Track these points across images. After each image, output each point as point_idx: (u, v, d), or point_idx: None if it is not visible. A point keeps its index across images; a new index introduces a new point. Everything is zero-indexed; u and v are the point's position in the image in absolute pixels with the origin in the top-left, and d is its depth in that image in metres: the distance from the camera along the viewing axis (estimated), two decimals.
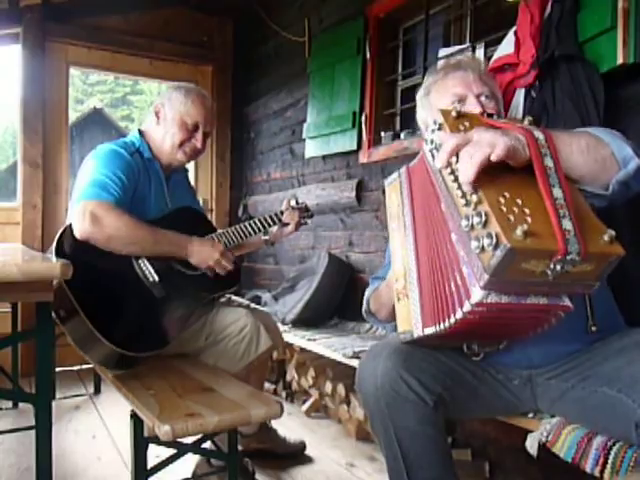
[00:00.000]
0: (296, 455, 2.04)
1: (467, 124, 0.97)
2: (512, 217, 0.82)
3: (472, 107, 1.29)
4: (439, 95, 1.36)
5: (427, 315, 1.05)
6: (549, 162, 0.88)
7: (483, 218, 0.83)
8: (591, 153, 0.97)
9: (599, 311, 1.12)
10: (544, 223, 0.82)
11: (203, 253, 1.70)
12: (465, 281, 0.91)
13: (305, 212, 2.03)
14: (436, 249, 1.04)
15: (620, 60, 1.48)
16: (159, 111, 1.82)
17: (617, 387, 1.03)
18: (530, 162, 0.89)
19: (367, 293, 1.47)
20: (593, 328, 1.00)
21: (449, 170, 0.95)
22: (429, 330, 1.04)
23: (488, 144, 0.87)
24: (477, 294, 0.88)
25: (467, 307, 0.90)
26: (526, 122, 1.00)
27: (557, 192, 0.85)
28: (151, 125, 1.84)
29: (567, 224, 0.81)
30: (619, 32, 1.48)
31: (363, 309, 1.46)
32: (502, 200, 0.85)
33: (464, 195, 0.90)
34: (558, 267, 0.81)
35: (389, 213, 1.19)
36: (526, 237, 0.78)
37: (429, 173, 1.05)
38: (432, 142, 1.00)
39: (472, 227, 0.86)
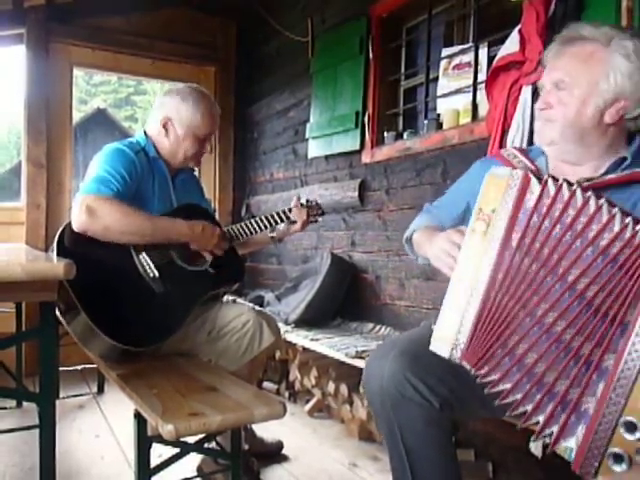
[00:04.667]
0: (273, 455, 2.04)
1: None
2: None
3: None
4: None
5: (474, 351, 0.98)
6: None
7: None
8: None
9: None
10: None
11: (203, 238, 1.73)
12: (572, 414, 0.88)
13: (317, 210, 2.03)
14: (537, 300, 0.92)
15: None
16: (167, 124, 1.79)
17: None
18: None
19: (416, 222, 1.40)
20: None
21: None
22: (467, 365, 0.99)
23: None
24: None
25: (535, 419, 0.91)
26: None
27: None
28: (159, 136, 1.81)
29: None
30: None
31: (405, 236, 1.40)
32: None
33: None
34: None
35: (478, 206, 1.00)
36: None
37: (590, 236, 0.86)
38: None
39: (631, 433, 0.81)
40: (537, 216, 0.92)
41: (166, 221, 1.69)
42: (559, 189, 0.91)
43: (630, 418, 0.82)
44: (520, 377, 0.93)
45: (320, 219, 2.08)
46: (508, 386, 0.95)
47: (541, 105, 1.17)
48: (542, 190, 0.92)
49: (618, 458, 0.83)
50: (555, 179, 0.93)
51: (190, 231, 1.71)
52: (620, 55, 1.07)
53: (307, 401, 2.54)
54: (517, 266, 0.93)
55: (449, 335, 1.00)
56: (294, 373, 2.57)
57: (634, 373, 0.83)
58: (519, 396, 0.94)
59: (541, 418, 0.92)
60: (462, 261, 1.00)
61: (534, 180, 0.94)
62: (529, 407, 0.93)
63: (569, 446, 0.88)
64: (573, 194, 0.90)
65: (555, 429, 0.90)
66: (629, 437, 0.82)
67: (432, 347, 1.03)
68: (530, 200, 0.93)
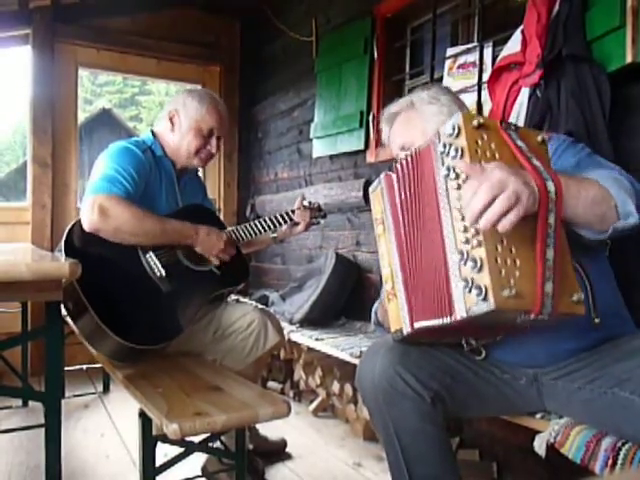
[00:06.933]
0: (278, 453, 2.05)
1: (486, 137, 0.93)
2: (504, 271, 0.86)
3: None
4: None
5: (414, 313, 1.08)
6: (552, 220, 0.87)
7: (478, 264, 0.86)
8: (595, 208, 0.94)
9: (603, 307, 1.11)
10: (529, 282, 0.87)
11: (209, 242, 1.74)
12: (451, 297, 0.94)
13: (318, 212, 2.03)
14: (425, 249, 1.04)
15: (629, 59, 1.47)
16: (173, 117, 1.83)
17: (630, 389, 1.02)
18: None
19: (375, 305, 1.47)
20: (596, 320, 1.00)
21: (457, 194, 0.92)
22: (417, 325, 1.07)
23: (513, 194, 0.82)
24: (457, 317, 0.93)
25: (448, 320, 0.96)
26: (539, 139, 0.97)
27: (550, 253, 0.88)
28: (165, 131, 1.84)
29: (549, 287, 0.87)
30: (628, 30, 1.47)
31: (372, 320, 1.47)
32: (499, 248, 0.87)
33: (466, 230, 0.89)
34: (527, 319, 0.89)
35: (374, 219, 1.22)
36: (510, 298, 0.84)
37: (434, 173, 1.01)
38: (445, 146, 0.96)
39: (465, 263, 0.89)
40: (405, 190, 1.12)
41: (175, 224, 1.70)
42: (402, 163, 1.13)
43: (462, 248, 0.90)
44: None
45: (322, 221, 2.09)
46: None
47: None
48: (397, 173, 1.15)
49: (466, 284, 0.88)
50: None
51: (196, 234, 1.72)
52: (424, 105, 1.36)
53: (312, 401, 2.55)
54: (412, 231, 1.09)
55: (396, 320, 1.13)
56: (299, 373, 2.57)
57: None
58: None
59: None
60: (382, 265, 1.18)
61: (391, 173, 1.18)
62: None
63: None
64: (408, 158, 1.11)
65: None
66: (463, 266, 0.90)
67: (393, 338, 1.16)
68: (396, 186, 1.15)
